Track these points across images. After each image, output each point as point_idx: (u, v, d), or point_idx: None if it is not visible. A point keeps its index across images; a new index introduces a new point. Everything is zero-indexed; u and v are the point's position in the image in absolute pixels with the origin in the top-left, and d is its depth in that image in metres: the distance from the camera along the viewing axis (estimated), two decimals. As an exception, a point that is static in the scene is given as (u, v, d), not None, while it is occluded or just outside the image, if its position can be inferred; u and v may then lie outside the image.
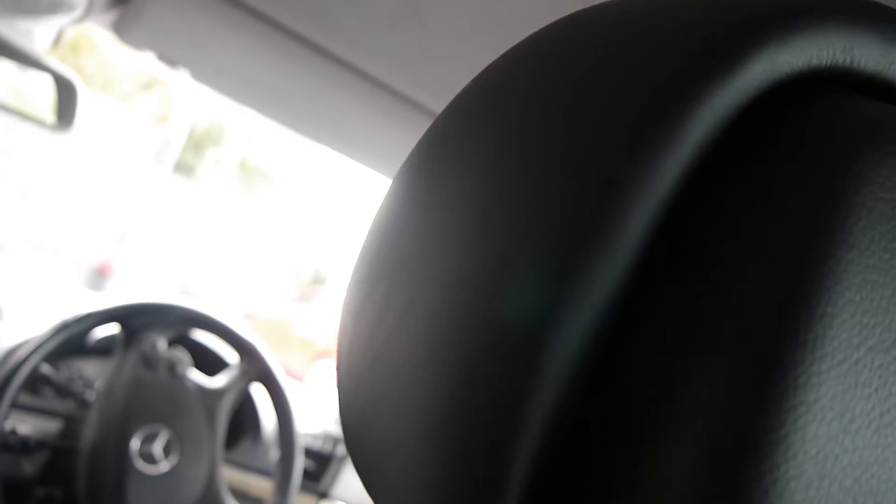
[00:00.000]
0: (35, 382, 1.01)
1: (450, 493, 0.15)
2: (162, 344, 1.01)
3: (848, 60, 0.16)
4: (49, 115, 0.93)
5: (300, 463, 1.07)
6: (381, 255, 0.19)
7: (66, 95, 0.86)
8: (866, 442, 0.14)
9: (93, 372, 1.08)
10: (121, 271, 8.82)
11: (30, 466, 0.99)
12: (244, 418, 1.18)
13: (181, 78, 0.79)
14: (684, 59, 0.16)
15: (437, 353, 0.16)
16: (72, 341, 0.95)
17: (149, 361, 0.99)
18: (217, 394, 1.03)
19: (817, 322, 0.13)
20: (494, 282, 0.16)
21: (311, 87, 0.74)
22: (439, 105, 0.72)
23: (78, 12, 0.70)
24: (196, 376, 1.03)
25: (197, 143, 10.31)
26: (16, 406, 0.95)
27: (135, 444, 0.95)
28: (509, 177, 0.17)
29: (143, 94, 9.96)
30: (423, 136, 0.21)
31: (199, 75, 0.79)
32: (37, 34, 0.79)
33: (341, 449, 1.29)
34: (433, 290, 0.17)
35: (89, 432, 0.96)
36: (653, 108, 0.15)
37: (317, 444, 1.27)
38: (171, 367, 1.00)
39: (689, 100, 0.15)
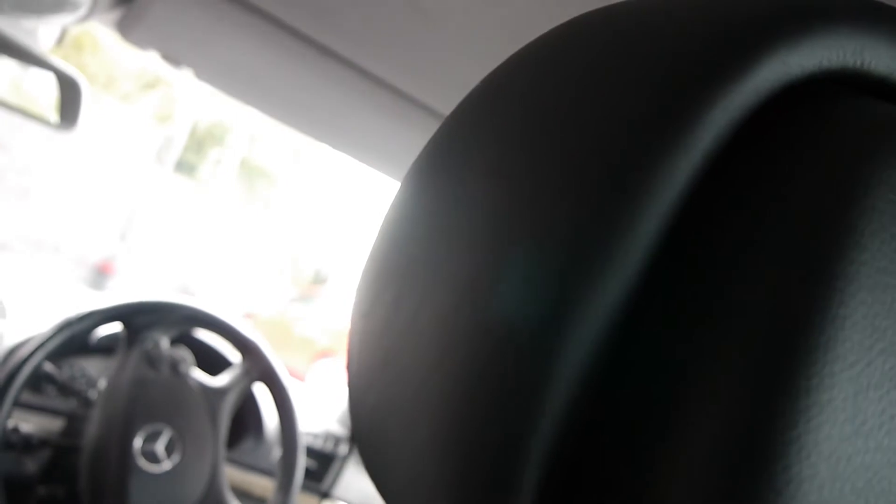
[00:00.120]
0: (38, 381, 1.01)
1: (462, 494, 0.15)
2: (164, 343, 1.01)
3: (859, 62, 0.16)
4: (49, 114, 0.93)
5: (302, 462, 1.07)
6: (393, 256, 0.19)
7: (69, 94, 0.87)
8: (878, 444, 0.14)
9: (95, 370, 1.08)
10: (122, 270, 8.82)
11: (32, 465, 0.99)
12: (246, 417, 1.18)
13: (183, 77, 0.80)
14: (695, 61, 0.16)
15: (449, 353, 0.16)
16: (74, 340, 0.95)
17: (151, 360, 0.99)
18: (219, 393, 1.03)
19: (830, 324, 0.13)
20: (505, 284, 0.16)
21: (315, 86, 0.74)
22: (444, 106, 0.72)
23: (82, 11, 0.70)
24: (199, 375, 1.03)
25: (198, 143, 10.31)
26: (18, 404, 0.95)
27: (137, 442, 0.95)
28: (518, 179, 0.17)
29: (145, 93, 9.96)
30: (432, 138, 0.21)
31: (202, 75, 0.79)
32: (41, 33, 0.79)
33: (343, 448, 1.29)
34: (444, 292, 0.17)
35: (92, 431, 0.96)
36: (663, 110, 0.15)
37: (318, 444, 1.27)
38: (174, 366, 1.00)
39: (700, 102, 0.15)
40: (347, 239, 11.19)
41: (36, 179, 8.13)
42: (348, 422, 1.33)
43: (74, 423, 1.00)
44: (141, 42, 0.75)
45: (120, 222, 8.88)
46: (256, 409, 1.19)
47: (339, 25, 0.65)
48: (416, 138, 0.76)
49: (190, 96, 9.37)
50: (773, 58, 0.15)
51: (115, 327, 1.03)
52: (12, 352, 1.00)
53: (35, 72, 0.90)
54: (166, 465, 0.96)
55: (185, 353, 1.02)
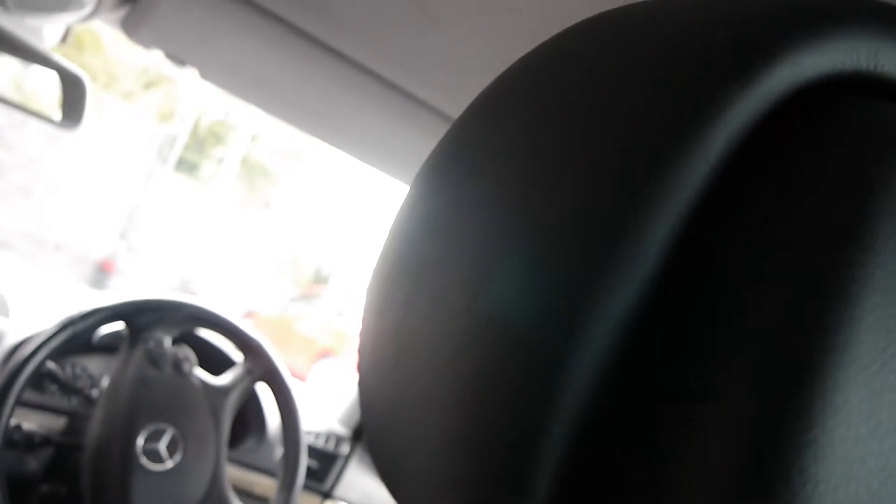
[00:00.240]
0: (40, 379, 1.01)
1: (473, 495, 0.15)
2: (167, 342, 1.01)
3: (872, 65, 0.16)
4: (50, 111, 0.93)
5: (304, 462, 1.07)
6: (405, 256, 0.19)
7: (73, 92, 0.87)
8: (892, 446, 0.14)
9: (97, 369, 1.08)
10: (123, 269, 8.82)
11: (34, 463, 0.99)
12: (248, 417, 1.18)
13: (185, 76, 0.80)
14: (707, 64, 0.16)
15: (461, 354, 0.16)
16: (77, 338, 0.95)
17: (154, 359, 0.99)
18: (222, 392, 1.03)
19: (845, 326, 0.13)
20: (516, 286, 0.16)
21: (319, 86, 0.74)
22: (450, 107, 0.72)
23: (87, 10, 0.70)
24: (201, 374, 1.03)
25: (199, 142, 10.31)
26: (21, 403, 0.95)
27: (140, 441, 0.95)
28: (529, 183, 0.17)
29: (147, 91, 9.96)
30: (443, 139, 0.21)
31: (207, 74, 0.79)
32: (46, 31, 0.79)
33: (345, 448, 1.29)
34: (456, 293, 0.17)
35: (94, 429, 0.96)
36: (675, 114, 0.15)
37: (320, 443, 1.27)
38: (177, 365, 1.00)
39: (713, 105, 0.15)
40: (349, 238, 11.19)
41: (38, 177, 8.13)
42: (350, 421, 1.33)
43: (77, 422, 1.00)
44: (145, 41, 0.75)
45: (121, 221, 8.88)
46: (259, 408, 1.19)
47: (345, 25, 0.65)
48: (421, 140, 0.76)
49: (191, 95, 9.37)
50: (788, 60, 0.15)
51: (117, 326, 1.03)
52: (15, 350, 1.00)
53: (36, 70, 0.90)
54: (168, 464, 0.96)
55: (187, 352, 1.02)
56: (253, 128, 10.28)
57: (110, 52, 9.25)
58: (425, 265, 0.18)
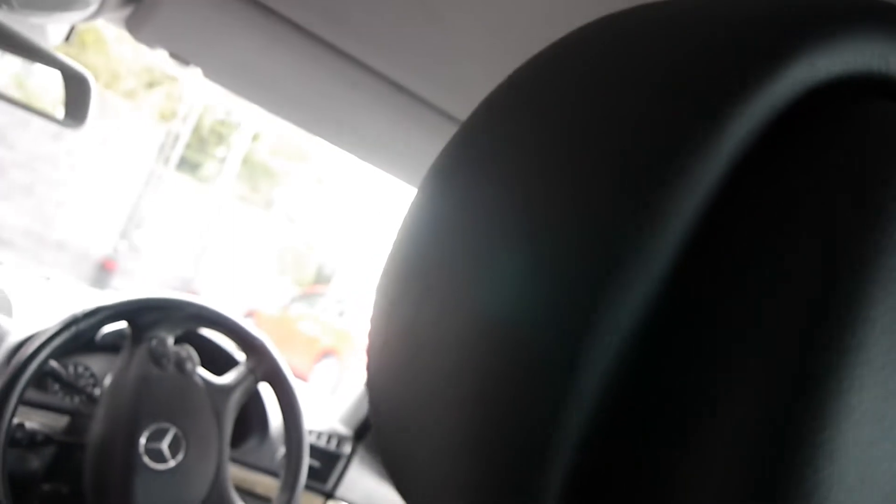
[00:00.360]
0: (42, 378, 1.01)
1: (485, 498, 0.15)
2: (170, 341, 1.01)
3: (884, 67, 0.16)
4: (53, 110, 0.93)
5: (306, 462, 1.07)
6: (415, 258, 0.19)
7: (77, 91, 0.87)
8: None
9: (99, 368, 1.08)
10: (124, 268, 8.83)
11: (37, 462, 0.99)
12: (251, 417, 1.18)
13: (188, 76, 0.80)
14: (720, 65, 0.16)
15: (472, 357, 0.16)
16: (80, 337, 0.95)
17: (157, 358, 0.99)
18: (224, 391, 1.03)
19: (860, 327, 0.13)
20: (528, 288, 0.16)
21: (324, 87, 0.74)
22: (454, 108, 0.72)
23: (92, 9, 0.70)
24: (204, 374, 1.03)
25: (202, 141, 10.32)
26: (23, 401, 0.95)
27: (142, 440, 0.95)
28: (539, 185, 0.17)
29: (149, 91, 9.97)
30: (452, 140, 0.21)
31: (211, 74, 0.79)
32: (50, 30, 0.79)
33: (347, 448, 1.29)
34: (467, 295, 0.17)
35: (97, 428, 0.96)
36: (689, 114, 0.15)
37: (322, 443, 1.27)
38: (179, 365, 1.00)
39: (726, 107, 0.15)
40: (351, 238, 11.19)
41: (40, 176, 8.14)
42: (352, 421, 1.33)
43: (79, 421, 1.00)
44: (150, 40, 0.75)
45: (123, 220, 8.89)
46: (261, 408, 1.19)
47: (350, 25, 0.65)
48: (425, 141, 0.76)
49: (194, 94, 9.38)
50: (800, 62, 0.15)
51: (120, 325, 1.03)
52: (17, 348, 1.00)
53: (39, 68, 0.90)
54: (171, 464, 0.96)
55: (190, 352, 1.02)
56: (255, 127, 10.29)
57: (113, 51, 9.26)
58: (435, 267, 0.18)
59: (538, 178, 0.17)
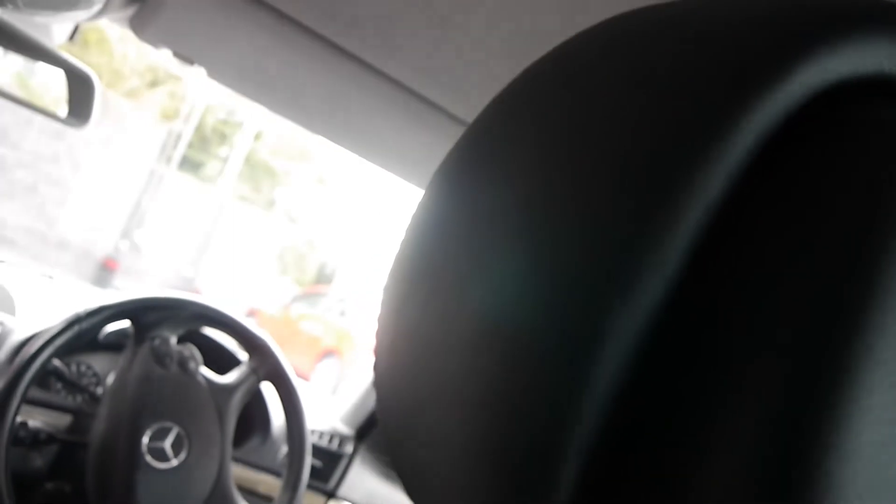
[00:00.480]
0: (45, 377, 1.01)
1: (497, 500, 0.15)
2: (173, 340, 1.01)
3: (892, 68, 0.16)
4: (55, 109, 0.93)
5: (309, 461, 1.07)
6: (423, 257, 0.19)
7: (81, 90, 0.87)
8: None
9: (102, 367, 1.08)
10: (126, 267, 8.84)
11: (39, 460, 0.99)
12: (253, 416, 1.18)
13: (190, 75, 0.80)
14: (730, 67, 0.16)
15: (482, 359, 0.16)
16: (83, 336, 0.95)
17: (159, 357, 0.99)
18: (227, 391, 1.03)
19: (872, 329, 0.13)
20: (538, 289, 0.16)
21: (329, 87, 0.74)
22: (459, 108, 0.72)
23: (96, 8, 0.70)
24: (206, 373, 1.03)
25: (204, 140, 10.32)
26: (26, 400, 0.95)
27: (145, 439, 0.95)
28: (549, 186, 0.17)
29: (151, 90, 9.98)
30: (460, 141, 0.21)
31: (215, 73, 0.79)
32: (55, 29, 0.79)
33: (349, 448, 1.29)
34: (476, 295, 0.17)
35: (99, 427, 0.96)
36: (700, 116, 0.15)
37: (324, 443, 1.27)
38: (182, 364, 1.00)
39: (735, 109, 0.15)
40: (353, 238, 11.19)
41: (42, 175, 8.14)
42: (353, 421, 1.33)
43: (82, 420, 1.01)
44: (154, 40, 0.75)
45: (125, 219, 8.89)
46: (263, 407, 1.19)
47: (355, 26, 0.65)
48: (430, 142, 0.76)
49: (196, 94, 9.38)
50: (810, 64, 0.15)
51: (123, 324, 1.03)
52: (21, 347, 1.00)
53: (41, 67, 0.90)
54: (173, 463, 0.96)
55: (193, 351, 1.02)
56: (257, 127, 10.29)
57: (115, 50, 9.26)
58: (442, 268, 0.18)
59: (546, 180, 0.17)
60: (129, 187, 8.79)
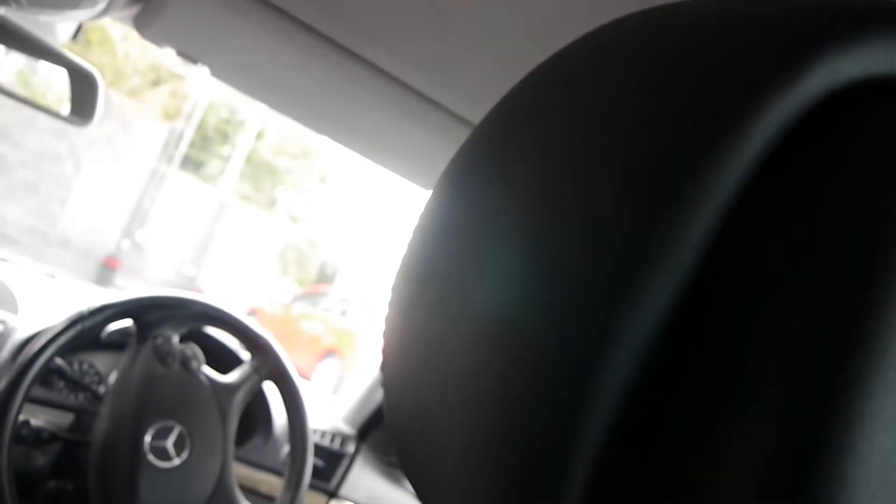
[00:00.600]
0: (48, 375, 1.01)
1: (505, 499, 0.15)
2: (175, 339, 1.01)
3: None
4: (58, 107, 0.93)
5: (311, 461, 1.07)
6: (433, 257, 0.19)
7: (85, 89, 0.87)
8: None
9: (104, 366, 1.08)
10: (128, 266, 8.84)
11: (42, 459, 0.99)
12: (255, 415, 1.18)
13: (192, 74, 0.80)
14: (742, 68, 0.16)
15: (491, 359, 0.16)
16: (85, 335, 0.95)
17: (162, 356, 0.99)
18: (229, 390, 1.03)
19: (884, 330, 0.13)
20: (548, 289, 0.16)
21: (333, 86, 0.74)
22: (464, 109, 0.72)
23: (100, 7, 0.70)
24: (209, 372, 1.03)
25: (205, 139, 10.33)
26: (29, 399, 0.95)
27: (147, 438, 0.95)
28: (560, 185, 0.17)
29: (153, 89, 9.98)
30: (468, 140, 0.21)
31: (218, 72, 0.79)
32: (59, 28, 0.79)
33: (350, 447, 1.29)
34: (486, 295, 0.17)
35: (101, 426, 0.96)
36: (712, 116, 0.15)
37: (326, 442, 1.27)
38: (185, 363, 1.00)
39: (749, 109, 0.15)
40: (354, 237, 11.19)
41: (44, 174, 8.15)
42: (355, 421, 1.33)
43: (84, 419, 1.01)
44: (157, 39, 0.75)
45: (126, 218, 8.90)
46: (265, 406, 1.19)
47: (360, 25, 0.65)
48: (435, 142, 0.76)
49: (198, 93, 9.39)
50: (824, 63, 0.15)
51: (125, 323, 1.04)
52: (23, 346, 1.00)
53: (42, 65, 0.90)
54: (175, 462, 0.96)
55: (195, 350, 1.02)
56: (258, 126, 10.30)
57: (118, 49, 9.27)
58: (451, 268, 0.18)
59: (554, 181, 0.17)
60: (130, 186, 8.79)
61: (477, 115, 0.71)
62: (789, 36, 0.16)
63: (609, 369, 0.15)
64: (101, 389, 1.04)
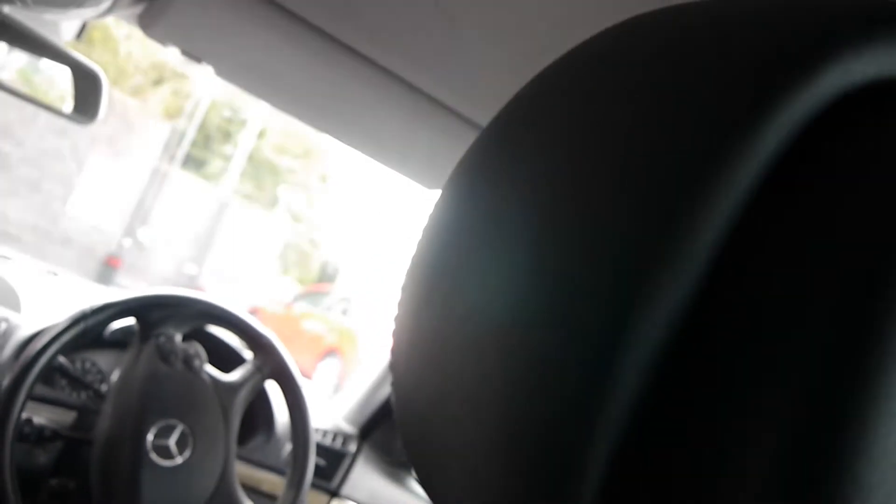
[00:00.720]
0: (50, 373, 1.01)
1: (521, 499, 0.15)
2: (178, 338, 1.01)
3: None
4: (60, 105, 0.93)
5: (313, 460, 1.07)
6: (444, 257, 0.19)
7: (89, 88, 0.87)
8: None
9: (107, 364, 1.08)
10: (129, 265, 8.85)
11: (44, 457, 0.99)
12: (257, 414, 1.18)
13: (195, 73, 0.80)
14: (758, 68, 0.16)
15: (504, 360, 0.16)
16: (88, 333, 0.96)
17: (165, 355, 0.99)
18: (232, 389, 1.03)
19: None
20: (562, 290, 0.16)
21: (338, 86, 0.74)
22: (469, 109, 0.72)
23: (105, 5, 0.70)
24: (211, 371, 1.03)
25: (207, 138, 10.33)
26: (31, 397, 0.95)
27: (149, 437, 0.95)
28: (571, 186, 0.17)
29: (156, 88, 9.99)
30: (479, 138, 0.21)
31: (222, 71, 0.79)
32: (63, 27, 0.79)
33: (352, 446, 1.29)
34: (500, 296, 0.17)
35: (104, 424, 0.96)
36: (724, 120, 0.15)
37: (327, 442, 1.27)
38: (187, 361, 1.00)
39: (764, 110, 0.15)
40: (355, 236, 11.19)
41: (46, 172, 8.16)
42: (357, 420, 1.33)
43: (86, 417, 1.01)
44: (162, 37, 0.75)
45: (128, 217, 8.91)
46: (267, 405, 1.19)
47: (366, 25, 0.65)
48: (439, 143, 0.76)
49: (200, 92, 9.39)
50: (838, 65, 0.15)
51: (128, 321, 1.04)
52: (26, 344, 1.00)
53: (44, 63, 0.90)
54: (178, 460, 0.96)
55: (198, 349, 1.02)
56: (261, 125, 10.30)
57: (120, 48, 9.28)
58: (463, 268, 0.18)
59: (567, 183, 0.17)
60: (132, 185, 8.80)
61: (481, 116, 0.71)
62: (803, 37, 0.16)
63: (620, 370, 0.15)
64: (104, 388, 1.04)
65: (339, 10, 0.64)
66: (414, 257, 0.21)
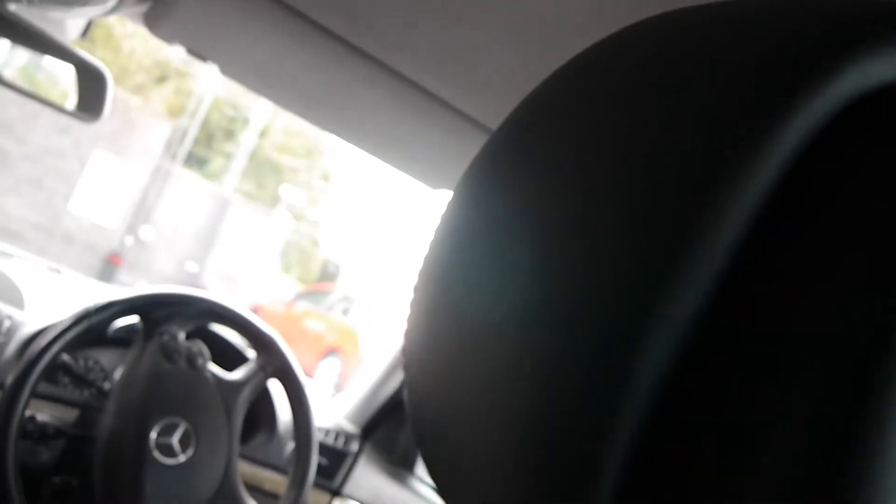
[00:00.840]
0: (53, 371, 1.01)
1: (539, 497, 0.15)
2: (181, 336, 1.01)
3: None
4: (64, 103, 0.93)
5: (315, 459, 1.07)
6: (457, 258, 0.19)
7: (94, 86, 0.87)
8: None
9: (110, 362, 1.08)
10: (131, 262, 8.86)
11: (47, 454, 1.00)
12: (259, 413, 1.18)
13: (198, 71, 0.80)
14: (775, 70, 0.16)
15: (522, 358, 0.16)
16: (92, 331, 0.96)
17: (168, 353, 0.99)
18: (235, 387, 1.03)
19: None
20: (581, 291, 0.16)
21: (344, 85, 0.74)
22: (474, 110, 0.71)
23: (110, 4, 0.70)
24: (214, 369, 1.03)
25: (209, 137, 10.34)
26: (34, 394, 0.96)
27: (152, 435, 0.95)
28: (591, 185, 0.17)
29: (158, 86, 10.00)
30: (493, 137, 0.21)
31: (228, 70, 0.79)
32: (69, 25, 0.79)
33: (354, 446, 1.29)
34: (517, 297, 0.17)
35: (107, 422, 0.96)
36: (743, 117, 0.15)
37: (329, 441, 1.27)
38: (190, 360, 1.00)
39: (782, 112, 0.15)
40: (357, 236, 11.20)
41: (48, 170, 8.17)
42: (359, 419, 1.33)
43: (89, 414, 1.01)
44: (167, 36, 0.75)
45: (130, 215, 8.91)
46: (270, 404, 1.19)
47: (372, 25, 0.65)
48: (446, 143, 0.76)
49: (203, 90, 9.40)
50: (855, 67, 0.15)
51: (132, 319, 1.04)
52: (30, 341, 1.00)
53: (47, 61, 0.90)
54: (181, 458, 0.96)
55: (201, 347, 1.02)
56: (263, 124, 10.30)
57: (123, 46, 9.28)
58: (478, 269, 0.18)
59: (583, 183, 0.17)
60: (134, 183, 8.80)
61: (486, 116, 0.71)
62: (820, 39, 0.16)
63: (636, 373, 0.15)
64: (107, 386, 1.04)
65: (346, 9, 0.64)
66: (426, 258, 0.21)
